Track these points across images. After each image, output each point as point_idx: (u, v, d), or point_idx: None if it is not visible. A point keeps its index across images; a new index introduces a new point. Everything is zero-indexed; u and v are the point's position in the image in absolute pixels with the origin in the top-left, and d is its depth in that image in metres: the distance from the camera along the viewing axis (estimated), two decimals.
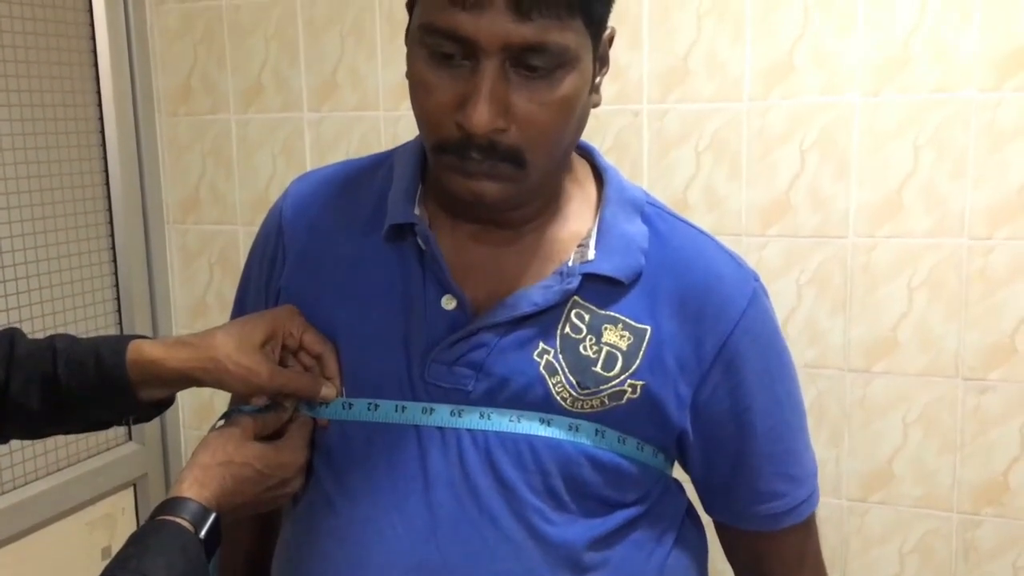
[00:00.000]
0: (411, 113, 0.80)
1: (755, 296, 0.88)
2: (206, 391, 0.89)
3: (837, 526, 1.63)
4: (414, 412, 0.83)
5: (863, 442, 1.60)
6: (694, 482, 0.94)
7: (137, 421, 0.90)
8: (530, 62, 0.74)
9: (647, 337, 0.84)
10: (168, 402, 0.90)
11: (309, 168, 1.84)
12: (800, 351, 1.59)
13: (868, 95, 1.53)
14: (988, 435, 1.54)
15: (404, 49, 1.58)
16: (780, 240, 1.61)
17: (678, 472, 0.94)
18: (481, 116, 0.73)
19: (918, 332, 1.55)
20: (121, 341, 0.85)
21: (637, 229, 0.86)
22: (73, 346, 0.85)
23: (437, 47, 0.75)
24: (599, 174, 0.91)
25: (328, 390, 0.86)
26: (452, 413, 0.83)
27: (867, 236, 1.56)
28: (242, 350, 0.83)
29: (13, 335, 0.86)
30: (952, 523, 1.57)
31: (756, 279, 0.90)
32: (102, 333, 1.86)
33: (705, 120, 1.61)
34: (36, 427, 0.87)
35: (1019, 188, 1.48)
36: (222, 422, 0.87)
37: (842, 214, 1.57)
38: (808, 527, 0.94)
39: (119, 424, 0.90)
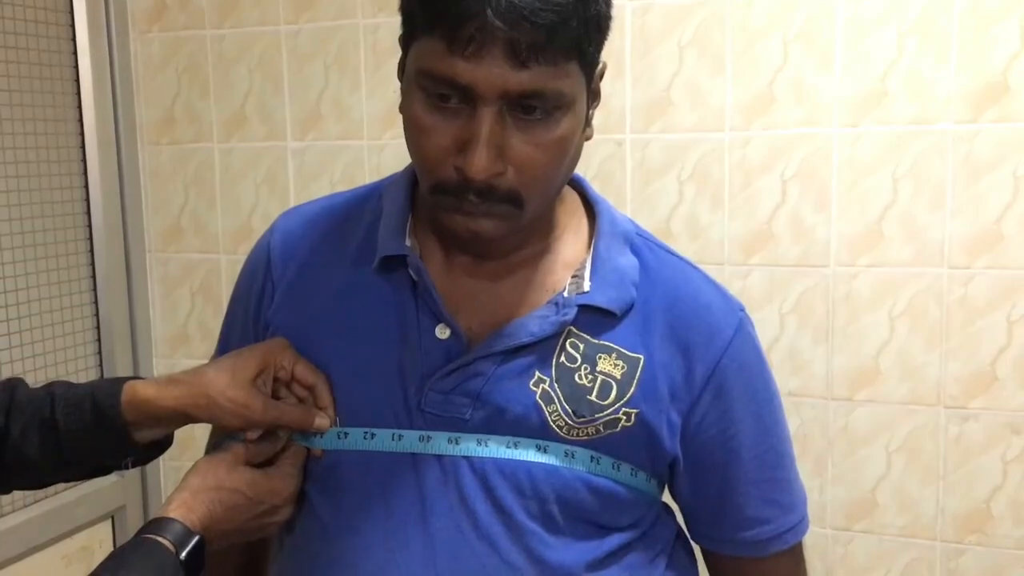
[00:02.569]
0: (395, 142, 0.81)
1: (741, 326, 0.89)
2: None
3: (822, 555, 1.63)
4: (411, 440, 0.83)
5: (847, 471, 1.61)
6: (682, 508, 0.95)
7: (136, 464, 0.90)
8: (527, 108, 0.75)
9: (640, 366, 0.84)
10: (166, 443, 0.90)
11: (292, 197, 1.86)
12: (783, 380, 1.60)
13: (847, 127, 1.55)
14: (970, 464, 1.55)
15: (388, 79, 1.59)
16: (762, 269, 1.62)
17: (667, 498, 0.95)
18: (480, 162, 0.74)
19: (900, 361, 1.57)
20: (116, 383, 0.86)
21: (629, 262, 0.87)
22: (70, 391, 0.86)
23: (435, 92, 0.76)
24: (589, 204, 0.92)
25: (322, 420, 0.86)
26: (449, 440, 0.83)
27: (848, 266, 1.58)
28: (235, 385, 0.83)
29: (15, 385, 0.87)
30: (936, 552, 1.58)
31: (742, 310, 0.91)
32: (81, 361, 1.85)
33: (687, 150, 1.63)
34: (37, 475, 0.87)
35: (996, 218, 1.50)
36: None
37: (823, 244, 1.58)
38: (795, 555, 0.95)
39: (118, 468, 0.89)
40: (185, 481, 0.82)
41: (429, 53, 0.75)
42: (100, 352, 1.90)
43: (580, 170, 0.90)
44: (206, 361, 0.93)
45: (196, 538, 0.78)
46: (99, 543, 1.87)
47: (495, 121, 0.74)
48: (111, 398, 0.84)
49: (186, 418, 0.85)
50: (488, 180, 0.76)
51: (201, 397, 0.83)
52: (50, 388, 0.87)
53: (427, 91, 0.76)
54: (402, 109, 0.81)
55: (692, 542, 0.97)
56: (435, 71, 0.74)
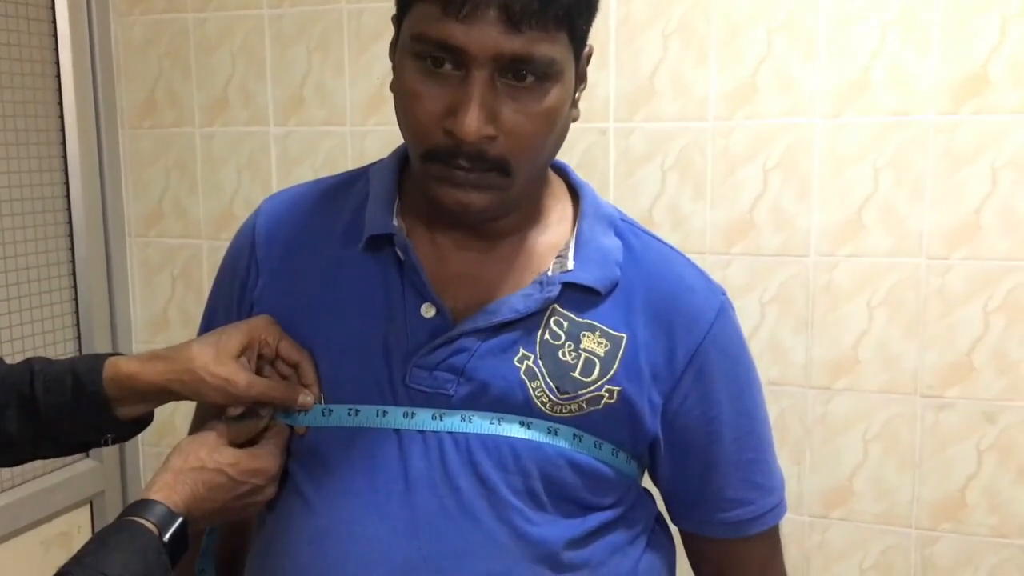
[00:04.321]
0: (379, 128, 0.81)
1: (723, 309, 0.91)
2: (166, 409, 0.89)
3: (799, 542, 1.64)
4: (395, 416, 0.84)
5: (824, 459, 1.63)
6: (662, 491, 0.95)
7: (116, 441, 0.89)
8: (518, 73, 0.76)
9: (623, 344, 0.85)
10: (147, 420, 0.89)
11: (274, 182, 1.85)
12: (763, 369, 1.61)
13: (829, 118, 1.56)
14: (946, 452, 1.57)
15: (371, 65, 1.60)
16: (743, 259, 1.63)
17: (647, 484, 0.95)
18: (472, 123, 0.75)
19: (878, 350, 1.58)
20: (98, 359, 0.85)
21: (612, 243, 0.88)
22: (50, 366, 0.85)
23: (428, 57, 0.76)
24: (573, 190, 0.93)
25: (306, 398, 0.86)
26: (434, 416, 0.83)
27: (828, 255, 1.59)
28: (218, 360, 0.83)
29: None
30: (911, 539, 1.60)
31: (723, 293, 0.93)
32: (60, 346, 1.84)
33: (670, 139, 1.63)
34: (16, 451, 0.87)
35: (975, 209, 1.51)
36: None
37: (804, 234, 1.59)
38: (772, 538, 0.96)
39: (98, 444, 0.89)
40: (168, 462, 0.82)
41: (423, 18, 0.76)
42: (79, 337, 1.89)
43: (563, 158, 0.91)
44: None
45: (179, 520, 0.78)
46: (78, 528, 1.87)
47: (487, 85, 0.75)
48: (92, 373, 0.83)
49: (169, 394, 0.85)
50: (478, 144, 0.76)
51: (185, 372, 0.83)
52: (29, 363, 0.86)
53: (420, 57, 0.77)
54: (393, 83, 0.82)
55: (671, 524, 0.98)
56: (429, 34, 0.75)
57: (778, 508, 0.94)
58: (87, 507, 1.90)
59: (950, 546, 1.58)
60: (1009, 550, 1.55)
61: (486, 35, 0.74)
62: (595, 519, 0.87)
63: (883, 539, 1.61)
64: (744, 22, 1.58)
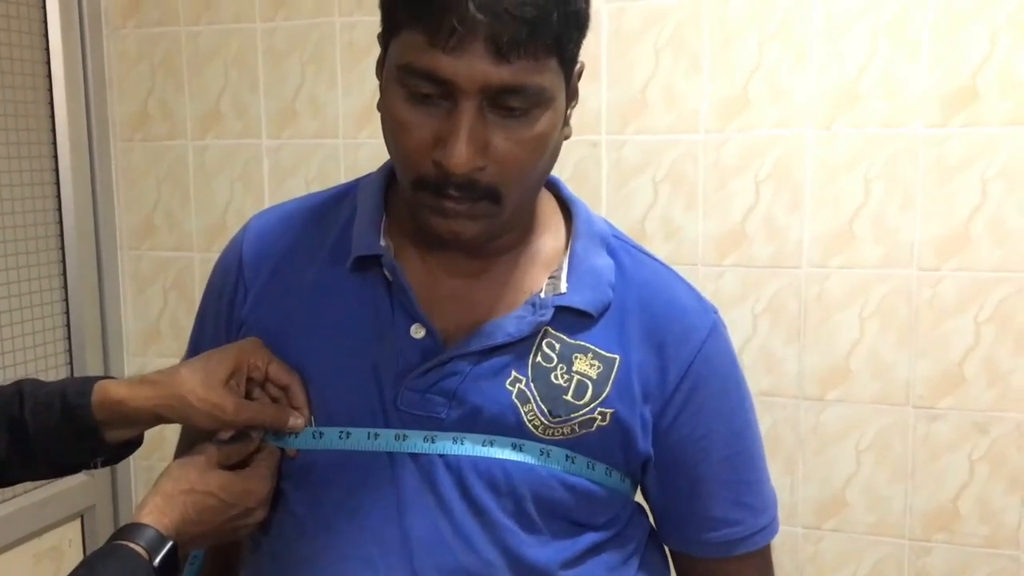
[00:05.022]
0: (371, 141, 0.80)
1: (715, 328, 0.90)
2: None
3: (792, 553, 1.64)
4: (387, 439, 0.83)
5: (817, 469, 1.63)
6: (652, 508, 0.95)
7: (106, 463, 0.89)
8: (508, 103, 0.75)
9: (616, 366, 0.85)
10: (137, 442, 0.89)
11: (267, 195, 1.85)
12: (756, 380, 1.61)
13: (820, 129, 1.57)
14: (938, 462, 1.57)
15: (364, 77, 1.59)
16: (736, 270, 1.63)
17: (639, 499, 0.95)
18: (460, 155, 0.74)
19: (870, 361, 1.58)
20: (87, 382, 0.85)
21: (605, 263, 0.88)
22: (39, 389, 0.85)
23: (415, 87, 0.75)
24: (565, 205, 0.92)
25: (296, 420, 0.85)
26: (425, 439, 0.83)
27: (820, 266, 1.59)
28: (207, 385, 0.83)
29: None
30: (904, 550, 1.60)
31: (715, 312, 0.92)
32: (51, 358, 1.83)
33: (662, 151, 1.64)
34: (5, 473, 0.86)
35: (966, 220, 1.52)
36: None
37: (796, 244, 1.60)
38: (763, 557, 0.95)
39: (88, 467, 0.89)
40: (157, 485, 0.81)
41: (410, 47, 0.75)
42: (70, 350, 1.88)
43: (555, 171, 0.91)
44: (178, 359, 0.92)
45: (169, 543, 0.77)
46: (68, 542, 1.86)
47: (476, 116, 0.74)
48: (81, 398, 0.83)
49: (158, 419, 0.84)
50: (468, 174, 0.75)
51: (173, 398, 0.83)
52: (19, 386, 0.86)
53: (408, 88, 0.76)
54: (380, 106, 0.81)
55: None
56: (416, 65, 0.74)
57: (768, 529, 0.93)
58: (78, 521, 1.89)
59: (943, 557, 1.58)
60: (1001, 560, 1.55)
61: (474, 67, 0.73)
62: (588, 539, 0.87)
63: (876, 550, 1.61)
64: (735, 34, 1.58)
